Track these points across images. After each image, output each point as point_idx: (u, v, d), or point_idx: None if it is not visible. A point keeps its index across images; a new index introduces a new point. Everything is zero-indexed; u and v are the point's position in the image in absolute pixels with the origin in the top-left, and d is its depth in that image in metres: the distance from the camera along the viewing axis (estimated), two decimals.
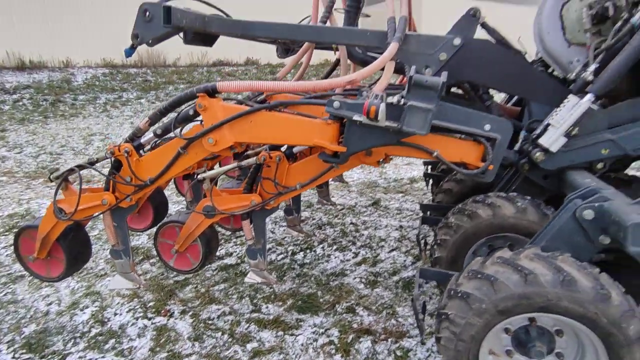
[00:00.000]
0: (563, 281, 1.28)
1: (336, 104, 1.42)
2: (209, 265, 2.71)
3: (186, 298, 2.36)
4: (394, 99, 1.36)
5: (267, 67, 15.18)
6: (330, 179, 3.87)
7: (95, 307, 2.31)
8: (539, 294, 1.30)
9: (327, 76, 2.91)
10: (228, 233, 3.10)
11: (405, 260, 2.75)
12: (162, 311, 2.24)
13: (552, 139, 1.77)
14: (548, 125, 1.81)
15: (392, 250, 2.91)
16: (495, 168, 1.64)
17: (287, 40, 2.24)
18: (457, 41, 1.87)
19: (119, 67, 14.48)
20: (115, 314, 2.24)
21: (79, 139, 7.31)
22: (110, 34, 14.73)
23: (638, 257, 1.30)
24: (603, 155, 1.79)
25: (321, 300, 2.28)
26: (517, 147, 1.98)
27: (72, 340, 2.03)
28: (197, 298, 2.36)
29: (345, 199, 4.02)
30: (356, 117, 1.37)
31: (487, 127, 1.61)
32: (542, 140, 1.80)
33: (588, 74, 1.76)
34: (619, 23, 1.80)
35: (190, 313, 2.21)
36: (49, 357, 1.91)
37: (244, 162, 1.94)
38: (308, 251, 2.91)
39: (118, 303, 2.33)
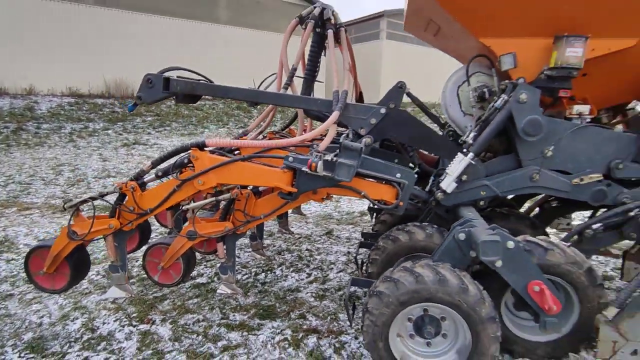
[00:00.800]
0: (439, 280, 1.92)
1: (290, 159, 2.05)
2: (183, 284, 3.16)
3: (165, 309, 2.80)
4: (329, 157, 2.01)
5: (233, 102, 15.81)
6: (290, 212, 4.47)
7: (85, 318, 2.70)
8: (424, 289, 1.93)
9: (286, 127, 3.58)
10: (200, 258, 3.57)
11: (349, 279, 3.34)
12: (145, 320, 2.67)
13: (447, 183, 2.48)
14: (446, 173, 2.53)
15: (340, 271, 3.49)
16: (405, 204, 2.32)
17: (255, 101, 2.88)
18: (382, 110, 2.58)
19: (86, 97, 14.59)
20: (104, 323, 2.64)
21: (48, 169, 7.47)
22: (77, 63, 14.96)
23: (488, 263, 1.98)
24: (482, 196, 2.52)
25: (278, 309, 2.81)
26: (427, 188, 2.69)
27: (68, 344, 2.41)
28: (175, 309, 2.81)
29: (302, 229, 4.61)
30: (303, 169, 2.00)
31: (398, 175, 2.29)
32: (442, 184, 2.51)
33: (469, 138, 2.52)
34: (491, 103, 2.59)
35: (169, 321, 2.66)
36: (50, 356, 2.29)
37: (221, 197, 2.51)
38: (269, 272, 3.43)
39: (105, 315, 2.73)
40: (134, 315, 2.73)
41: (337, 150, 2.07)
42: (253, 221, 2.46)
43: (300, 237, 4.31)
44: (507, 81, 2.54)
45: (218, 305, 2.85)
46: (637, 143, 2.38)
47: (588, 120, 2.53)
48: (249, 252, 3.79)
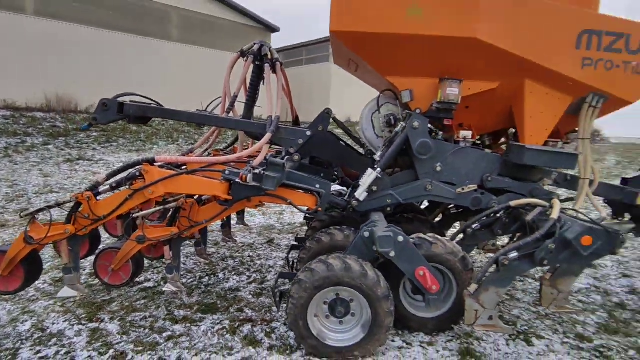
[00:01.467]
0: (345, 267, 2.44)
1: (227, 172, 2.50)
2: (131, 288, 3.44)
3: (113, 310, 3.08)
4: (257, 171, 2.49)
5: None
6: (235, 223, 4.86)
7: (34, 320, 2.90)
8: (334, 275, 2.43)
9: (230, 145, 4.01)
10: (147, 266, 3.84)
11: (286, 280, 3.78)
12: (94, 319, 2.93)
13: (360, 193, 3.03)
14: (359, 184, 3.09)
15: (277, 273, 3.92)
16: (323, 209, 2.83)
17: (201, 123, 3.30)
18: (308, 132, 3.11)
19: (23, 110, 13.99)
20: (53, 324, 2.86)
21: None
22: (13, 75, 14.33)
23: (384, 253, 2.52)
24: (388, 203, 3.10)
25: (219, 305, 3.18)
26: (346, 197, 3.23)
27: (20, 342, 2.62)
28: (123, 309, 3.09)
29: (246, 238, 5.00)
30: (237, 180, 2.45)
31: (317, 186, 2.82)
32: (356, 194, 3.07)
33: (377, 157, 3.11)
34: (396, 128, 3.22)
35: (117, 318, 2.94)
36: (4, 352, 2.50)
37: (169, 206, 2.88)
38: (212, 276, 3.79)
39: (54, 317, 2.95)
40: (83, 316, 2.97)
41: (265, 165, 2.56)
42: (196, 226, 2.85)
43: (243, 246, 4.70)
44: (407, 111, 3.19)
45: (164, 304, 3.17)
46: (500, 161, 3.10)
47: (470, 142, 3.24)
48: (194, 259, 4.11)
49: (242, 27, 21.47)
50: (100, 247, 3.20)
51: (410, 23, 2.86)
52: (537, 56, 2.94)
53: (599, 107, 3.13)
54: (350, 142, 3.78)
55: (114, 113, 2.79)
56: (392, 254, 2.53)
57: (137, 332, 2.77)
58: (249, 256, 4.35)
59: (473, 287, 2.50)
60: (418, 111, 3.07)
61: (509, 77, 3.05)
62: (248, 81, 3.57)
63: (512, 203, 2.92)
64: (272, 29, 22.91)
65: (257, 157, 2.80)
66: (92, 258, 3.03)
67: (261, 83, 3.57)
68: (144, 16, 17.84)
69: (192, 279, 3.69)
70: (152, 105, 3.06)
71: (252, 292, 3.45)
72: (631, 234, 3.64)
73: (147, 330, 2.78)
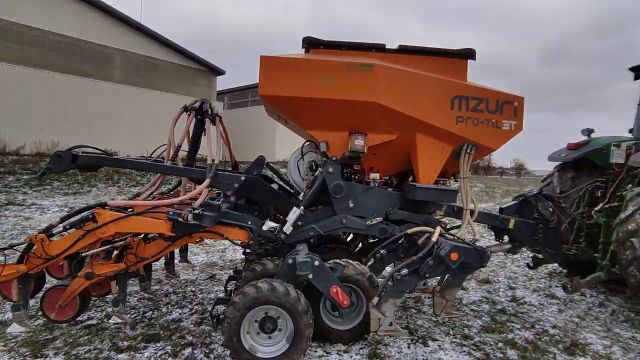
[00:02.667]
0: (271, 289, 2.95)
1: (170, 213, 2.96)
2: (75, 325, 3.64)
3: (57, 346, 3.28)
4: (197, 211, 2.98)
5: None
6: (177, 262, 5.17)
7: None
8: (262, 295, 2.93)
9: (174, 188, 4.44)
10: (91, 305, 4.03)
11: (223, 306, 4.16)
12: (39, 354, 3.12)
13: (286, 227, 3.61)
14: (286, 220, 3.66)
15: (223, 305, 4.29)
16: (255, 242, 3.36)
17: (148, 171, 3.73)
18: (242, 177, 3.66)
19: None
20: None
21: None
22: None
23: (304, 276, 3.07)
24: (311, 235, 3.70)
25: (162, 335, 3.50)
26: (276, 231, 3.78)
27: None
28: (67, 345, 3.30)
29: (189, 275, 5.30)
30: (179, 219, 2.92)
31: (249, 222, 3.35)
32: (284, 228, 3.63)
33: (301, 197, 3.73)
34: (316, 172, 3.88)
35: (62, 353, 3.15)
36: None
37: (117, 244, 3.25)
38: (155, 310, 4.08)
39: None
40: (27, 353, 3.15)
41: (204, 206, 3.07)
42: (142, 261, 3.23)
43: (186, 282, 5.00)
44: (324, 158, 3.88)
45: (108, 338, 3.42)
46: (399, 197, 3.85)
47: (379, 182, 3.97)
48: (137, 296, 4.36)
49: (188, 70, 22.00)
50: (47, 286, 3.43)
51: (325, 89, 3.60)
52: (422, 115, 3.79)
53: (473, 154, 4.04)
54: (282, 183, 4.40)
55: (67, 163, 3.17)
56: (311, 275, 3.09)
57: None
58: (191, 291, 4.68)
59: (376, 300, 3.11)
60: (334, 158, 3.77)
61: (404, 131, 3.87)
62: (191, 133, 4.10)
63: (409, 231, 3.64)
64: (217, 72, 23.66)
65: (197, 199, 3.30)
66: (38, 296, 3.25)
67: (202, 134, 4.12)
68: (85, 57, 17.79)
69: (135, 314, 3.95)
70: (103, 155, 3.47)
71: (193, 322, 3.80)
72: (510, 252, 4.55)
73: None
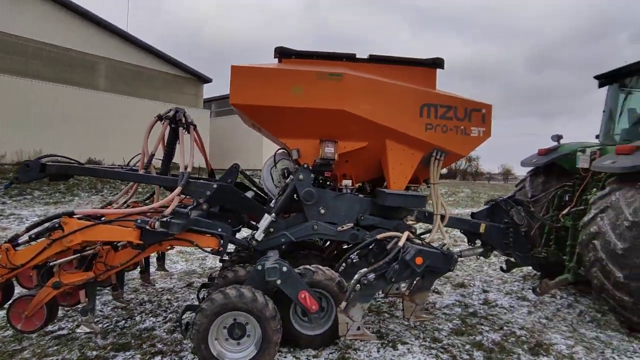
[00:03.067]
0: (239, 295, 2.98)
1: (139, 221, 2.99)
2: (45, 335, 3.61)
3: (25, 357, 3.25)
4: (165, 219, 3.01)
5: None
6: (154, 269, 5.15)
7: None
8: (230, 302, 2.96)
9: (150, 197, 4.46)
10: (61, 315, 4.01)
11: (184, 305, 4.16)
12: None
13: (258, 234, 3.65)
14: (258, 227, 3.71)
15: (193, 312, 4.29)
16: (225, 249, 3.39)
17: (121, 179, 3.74)
18: (215, 185, 3.70)
19: None
20: None
21: None
22: None
23: (272, 282, 3.11)
24: (282, 242, 3.74)
25: (133, 344, 3.49)
26: (248, 238, 3.81)
27: None
28: (34, 356, 3.27)
29: (166, 283, 5.29)
30: (147, 227, 2.95)
31: (219, 229, 3.39)
32: (255, 235, 3.67)
33: (272, 203, 3.78)
34: (287, 180, 3.94)
35: None
36: None
37: (85, 253, 3.25)
38: (129, 319, 4.06)
39: None
40: None
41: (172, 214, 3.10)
42: (112, 269, 3.24)
43: (162, 290, 4.99)
44: (297, 166, 3.94)
45: (77, 348, 3.40)
46: (370, 204, 3.92)
47: (350, 189, 4.04)
48: (112, 305, 4.35)
49: (174, 78, 21.97)
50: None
51: (295, 98, 3.68)
52: (391, 123, 3.89)
53: (442, 160, 4.14)
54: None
55: (36, 172, 3.18)
56: (279, 281, 3.13)
57: None
58: (167, 299, 4.67)
59: (343, 304, 3.16)
60: (306, 166, 3.84)
61: (374, 138, 3.96)
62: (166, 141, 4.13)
63: (379, 236, 3.70)
64: (204, 80, 23.67)
65: (169, 206, 3.32)
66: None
67: (177, 143, 4.15)
68: (69, 66, 17.66)
69: (108, 323, 3.94)
70: (73, 164, 3.48)
71: (166, 330, 3.79)
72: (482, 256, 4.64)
73: None
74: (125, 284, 5.11)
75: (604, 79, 5.18)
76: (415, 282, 3.65)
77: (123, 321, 4.00)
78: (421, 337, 3.66)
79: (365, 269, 3.20)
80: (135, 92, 19.87)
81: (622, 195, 3.80)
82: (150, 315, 4.18)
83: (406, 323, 3.97)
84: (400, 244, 3.30)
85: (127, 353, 3.30)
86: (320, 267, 3.46)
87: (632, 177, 3.83)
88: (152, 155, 3.99)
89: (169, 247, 3.35)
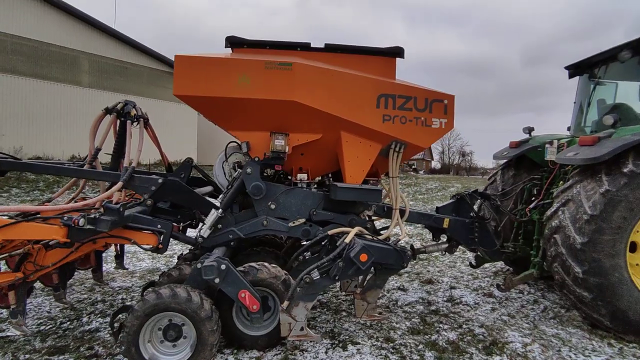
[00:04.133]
0: (172, 295, 2.83)
1: (65, 218, 2.82)
2: None
3: None
4: (93, 216, 2.85)
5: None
6: (113, 267, 4.99)
7: None
8: (162, 302, 2.80)
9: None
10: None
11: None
12: None
13: (204, 231, 3.49)
14: (204, 223, 3.55)
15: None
16: (165, 247, 3.23)
17: (60, 175, 3.58)
18: (160, 180, 3.53)
19: None
20: None
21: None
22: None
23: (209, 281, 2.96)
24: (230, 238, 3.58)
25: (71, 346, 3.33)
26: (195, 234, 3.66)
27: None
28: None
29: (126, 282, 5.13)
30: (72, 225, 2.79)
31: (159, 226, 3.23)
32: (201, 232, 3.51)
33: (219, 198, 3.62)
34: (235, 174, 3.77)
35: None
36: None
37: (14, 252, 3.08)
38: (75, 320, 3.90)
39: None
40: None
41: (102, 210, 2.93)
42: (42, 270, 3.07)
43: (119, 289, 4.83)
44: (247, 159, 3.78)
45: (11, 351, 3.24)
46: (323, 198, 3.77)
47: (306, 183, 3.88)
48: (61, 307, 4.18)
49: (162, 73, 21.65)
50: None
51: (241, 89, 3.51)
52: (346, 114, 3.73)
53: (402, 152, 3.99)
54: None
55: None
56: (217, 280, 2.98)
57: None
58: (122, 299, 4.51)
59: (286, 304, 3.02)
60: (256, 159, 3.68)
61: (329, 130, 3.80)
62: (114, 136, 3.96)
63: (330, 232, 3.56)
64: None
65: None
66: None
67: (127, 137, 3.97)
68: (50, 61, 17.34)
69: (51, 325, 3.77)
70: (8, 159, 3.30)
71: (110, 332, 3.63)
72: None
73: None
74: (82, 283, 4.97)
75: (573, 69, 5.05)
76: (367, 280, 3.52)
77: (68, 322, 3.84)
78: (374, 337, 3.52)
79: (310, 267, 3.05)
80: (121, 87, 19.56)
81: (582, 188, 3.68)
82: (99, 315, 4.01)
83: (362, 322, 3.84)
84: (347, 240, 3.16)
85: (62, 356, 3.15)
86: (266, 264, 3.31)
87: (593, 169, 3.70)
88: (98, 149, 3.82)
89: (104, 245, 3.19)
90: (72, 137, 16.94)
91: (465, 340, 3.47)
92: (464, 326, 3.77)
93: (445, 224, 4.32)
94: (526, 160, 5.21)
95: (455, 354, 3.21)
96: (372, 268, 3.31)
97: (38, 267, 3.04)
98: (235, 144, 3.93)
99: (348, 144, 3.87)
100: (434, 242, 4.55)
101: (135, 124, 3.89)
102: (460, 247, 4.51)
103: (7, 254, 3.05)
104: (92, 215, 2.84)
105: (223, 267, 2.99)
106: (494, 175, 5.66)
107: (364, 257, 3.02)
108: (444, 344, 3.39)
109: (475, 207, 4.46)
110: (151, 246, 3.22)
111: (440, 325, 3.78)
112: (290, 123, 3.72)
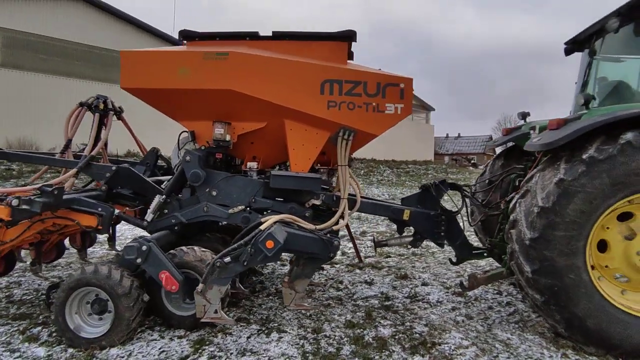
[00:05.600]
0: (94, 271, 3.07)
1: (7, 199, 3.19)
2: None
3: None
4: (27, 197, 3.18)
5: None
6: (107, 248, 5.48)
7: None
8: (84, 277, 3.06)
9: (88, 183, 4.72)
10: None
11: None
12: None
13: (148, 215, 3.71)
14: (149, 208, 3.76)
15: None
16: (105, 228, 3.50)
17: (27, 162, 4.04)
18: (113, 167, 3.83)
19: None
20: None
21: None
22: None
23: (130, 261, 3.15)
24: (173, 223, 3.75)
25: (34, 314, 3.75)
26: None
27: None
28: None
29: None
30: (13, 204, 3.14)
31: (99, 209, 3.50)
32: (146, 216, 3.74)
33: (164, 185, 3.81)
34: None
35: None
36: None
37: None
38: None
39: None
40: None
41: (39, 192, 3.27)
42: (2, 245, 3.50)
43: None
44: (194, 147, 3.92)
45: None
46: (264, 186, 3.79)
47: (256, 172, 3.93)
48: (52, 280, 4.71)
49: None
50: None
51: (181, 80, 3.66)
52: (287, 101, 3.71)
53: (351, 140, 3.85)
54: None
55: None
56: (139, 260, 3.16)
57: None
58: None
59: (200, 286, 3.11)
60: (203, 147, 3.82)
61: (272, 118, 3.81)
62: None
63: (263, 220, 3.57)
64: None
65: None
66: None
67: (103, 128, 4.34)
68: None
69: (32, 296, 4.26)
70: None
71: None
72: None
73: None
74: (69, 264, 5.50)
75: (570, 45, 4.45)
76: (295, 269, 3.49)
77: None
78: (305, 327, 3.49)
79: (222, 251, 3.12)
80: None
81: (541, 178, 3.27)
82: None
83: (303, 313, 3.81)
84: (263, 227, 3.16)
85: (22, 322, 3.56)
86: (195, 248, 3.44)
87: (556, 156, 3.27)
88: (70, 140, 4.22)
89: (52, 225, 3.55)
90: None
91: (396, 337, 3.29)
92: (407, 324, 3.57)
93: (406, 216, 4.10)
94: (517, 149, 4.73)
95: (375, 351, 3.07)
96: (306, 258, 3.32)
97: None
98: (187, 134, 4.10)
99: (293, 131, 3.84)
100: (398, 236, 4.35)
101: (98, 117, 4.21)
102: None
103: None
104: (27, 197, 3.17)
105: (144, 248, 3.17)
106: (486, 166, 5.21)
107: (270, 244, 3.00)
108: (370, 339, 3.25)
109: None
110: (92, 227, 3.51)
111: (382, 322, 3.61)
112: (232, 112, 3.79)
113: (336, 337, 3.28)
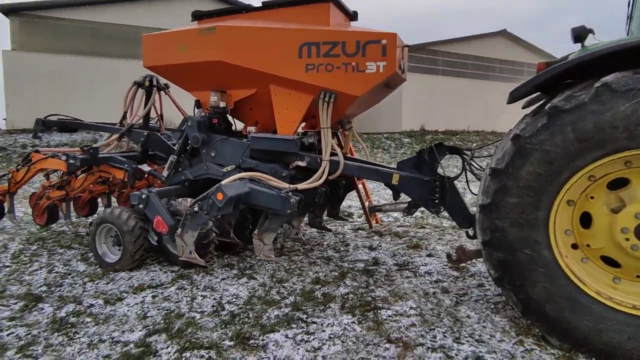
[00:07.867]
0: (111, 212, 3.96)
1: (64, 156, 4.31)
2: None
3: None
4: (72, 154, 4.21)
5: None
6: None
7: None
8: (104, 217, 3.99)
9: None
10: None
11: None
12: None
13: (164, 172, 4.47)
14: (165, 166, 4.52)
15: None
16: (132, 180, 4.39)
17: (93, 130, 5.23)
18: (145, 133, 4.72)
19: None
20: None
21: None
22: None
23: (137, 206, 3.94)
24: (183, 179, 4.44)
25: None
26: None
27: None
28: None
29: None
30: (71, 161, 4.24)
31: (126, 165, 4.39)
32: (163, 172, 4.51)
33: (176, 146, 4.50)
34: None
35: None
36: None
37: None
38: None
39: None
40: None
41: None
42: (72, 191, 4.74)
43: None
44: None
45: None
46: (249, 147, 4.12)
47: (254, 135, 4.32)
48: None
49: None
50: None
51: (181, 55, 4.23)
52: (269, 68, 3.94)
53: (332, 102, 3.86)
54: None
55: (40, 126, 4.94)
56: (141, 206, 3.93)
57: None
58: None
59: (179, 230, 3.70)
60: (203, 114, 4.38)
61: (259, 85, 4.11)
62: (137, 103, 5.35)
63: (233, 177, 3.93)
64: None
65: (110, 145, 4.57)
66: None
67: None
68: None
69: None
70: (68, 119, 5.12)
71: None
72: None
73: None
74: None
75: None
76: (264, 222, 3.78)
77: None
78: (274, 277, 3.80)
79: (194, 201, 3.63)
80: None
81: (510, 133, 2.78)
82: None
83: (284, 265, 4.10)
84: (223, 182, 3.54)
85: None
86: (188, 199, 4.05)
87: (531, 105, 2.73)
88: (125, 112, 5.28)
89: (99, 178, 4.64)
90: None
91: (347, 297, 3.32)
92: (371, 287, 3.53)
93: (395, 181, 3.93)
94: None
95: (313, 305, 3.18)
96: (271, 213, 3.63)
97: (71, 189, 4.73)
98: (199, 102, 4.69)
99: (277, 96, 4.06)
100: (392, 202, 4.20)
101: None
102: None
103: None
104: (72, 154, 4.23)
105: (144, 196, 3.91)
106: None
107: (219, 196, 3.38)
108: (320, 295, 3.37)
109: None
110: (122, 178, 4.45)
111: (348, 282, 3.65)
112: (225, 81, 4.21)
113: (292, 289, 3.50)
